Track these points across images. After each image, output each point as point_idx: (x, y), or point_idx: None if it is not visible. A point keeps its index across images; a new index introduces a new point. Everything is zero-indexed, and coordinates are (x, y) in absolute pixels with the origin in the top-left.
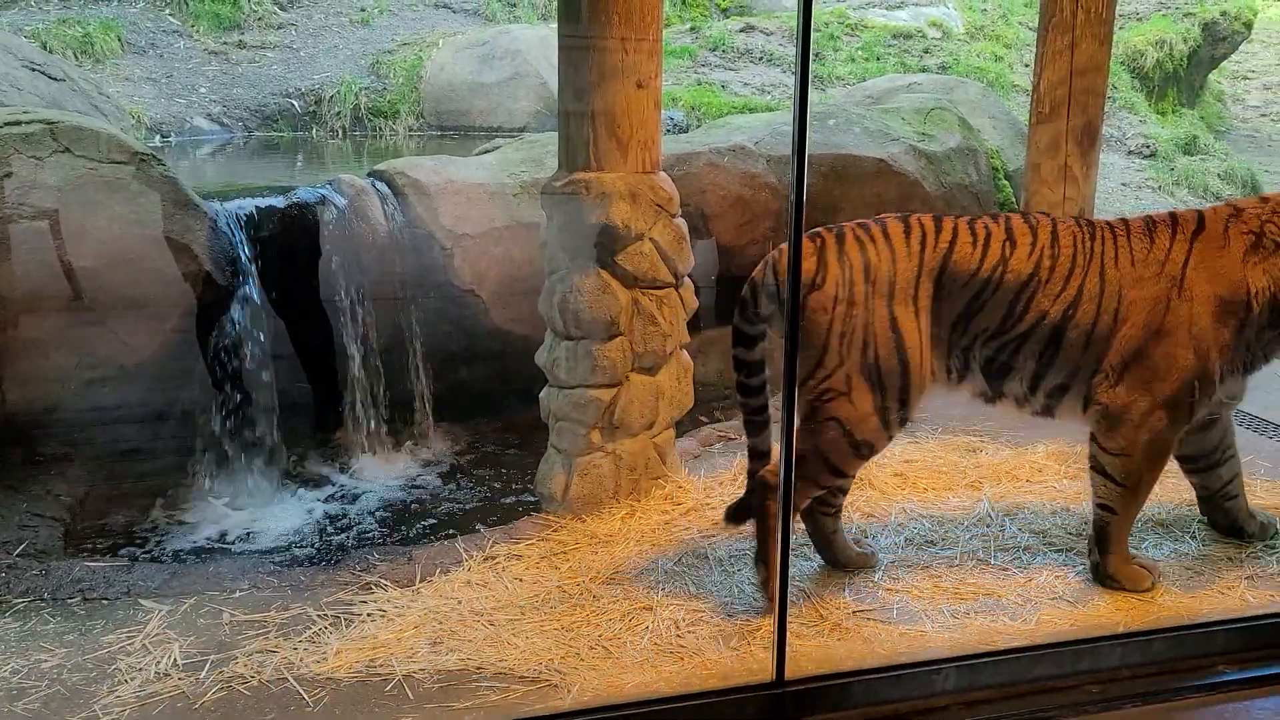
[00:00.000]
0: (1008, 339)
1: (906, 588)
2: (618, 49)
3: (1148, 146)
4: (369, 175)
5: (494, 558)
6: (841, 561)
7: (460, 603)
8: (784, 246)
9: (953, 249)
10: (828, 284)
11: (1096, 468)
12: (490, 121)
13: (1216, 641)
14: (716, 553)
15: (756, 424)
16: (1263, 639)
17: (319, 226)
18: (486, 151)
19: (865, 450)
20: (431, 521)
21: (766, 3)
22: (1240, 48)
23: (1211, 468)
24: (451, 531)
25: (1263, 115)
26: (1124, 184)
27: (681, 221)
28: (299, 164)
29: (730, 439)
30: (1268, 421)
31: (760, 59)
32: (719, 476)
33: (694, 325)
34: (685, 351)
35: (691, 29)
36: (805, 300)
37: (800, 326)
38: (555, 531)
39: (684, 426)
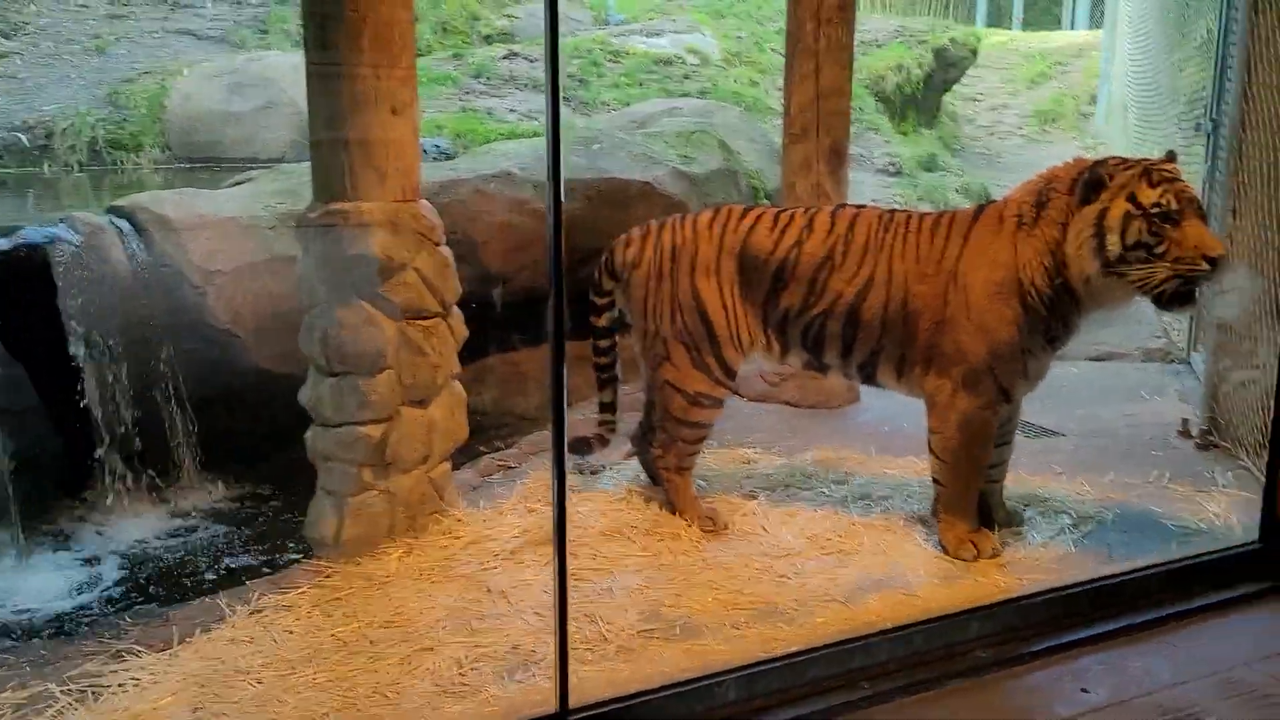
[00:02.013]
0: (813, 315)
1: (688, 603)
2: (370, 75)
3: (893, 165)
4: (107, 211)
5: (261, 611)
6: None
7: (224, 663)
8: (623, 236)
9: (752, 233)
10: (642, 265)
11: (928, 442)
12: (244, 152)
13: (971, 628)
14: (498, 584)
15: (603, 380)
16: (1010, 622)
17: (51, 268)
18: (239, 183)
19: (705, 400)
20: (192, 578)
21: (529, 29)
22: (969, 72)
23: None
24: (214, 587)
25: (991, 134)
26: (874, 199)
27: (447, 250)
28: (30, 202)
29: (510, 467)
30: (1029, 423)
31: (525, 85)
32: (499, 506)
33: (473, 353)
34: (457, 382)
35: (454, 56)
36: (629, 280)
37: (630, 303)
38: (328, 577)
39: (463, 457)
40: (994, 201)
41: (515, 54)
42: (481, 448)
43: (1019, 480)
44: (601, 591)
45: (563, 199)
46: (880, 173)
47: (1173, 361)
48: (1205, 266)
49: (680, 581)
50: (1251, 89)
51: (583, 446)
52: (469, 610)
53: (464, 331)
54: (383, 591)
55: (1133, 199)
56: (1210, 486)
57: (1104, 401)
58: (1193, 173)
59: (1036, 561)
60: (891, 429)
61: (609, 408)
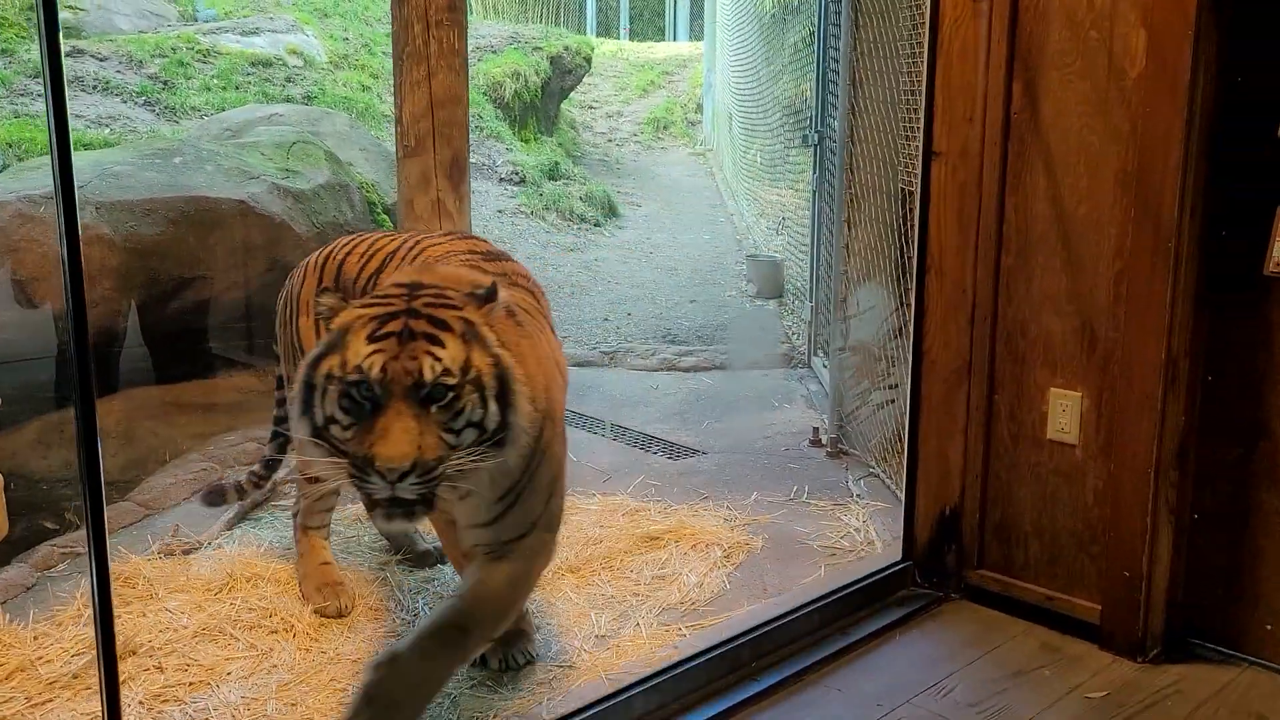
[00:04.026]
0: None
1: (306, 712)
2: None
3: (517, 174)
4: None
5: None
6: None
7: None
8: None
9: (342, 265)
10: (278, 307)
11: None
12: None
13: (635, 706)
14: None
15: (277, 433)
16: (674, 691)
17: None
18: None
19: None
20: None
21: (98, 24)
22: (584, 80)
23: None
24: None
25: (609, 141)
26: (500, 210)
27: None
28: None
29: (78, 554)
30: (651, 436)
31: (95, 87)
32: (57, 615)
33: (34, 410)
34: None
35: (3, 52)
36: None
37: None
38: None
39: (10, 549)
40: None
41: (82, 51)
42: (48, 523)
43: (666, 511)
44: (194, 714)
45: (78, 229)
46: (504, 182)
47: (796, 366)
48: (374, 482)
49: (296, 685)
50: (858, 102)
51: (216, 497)
52: None
53: None
54: None
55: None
56: (847, 498)
57: (738, 412)
58: (804, 185)
59: (694, 605)
60: None
61: (270, 465)
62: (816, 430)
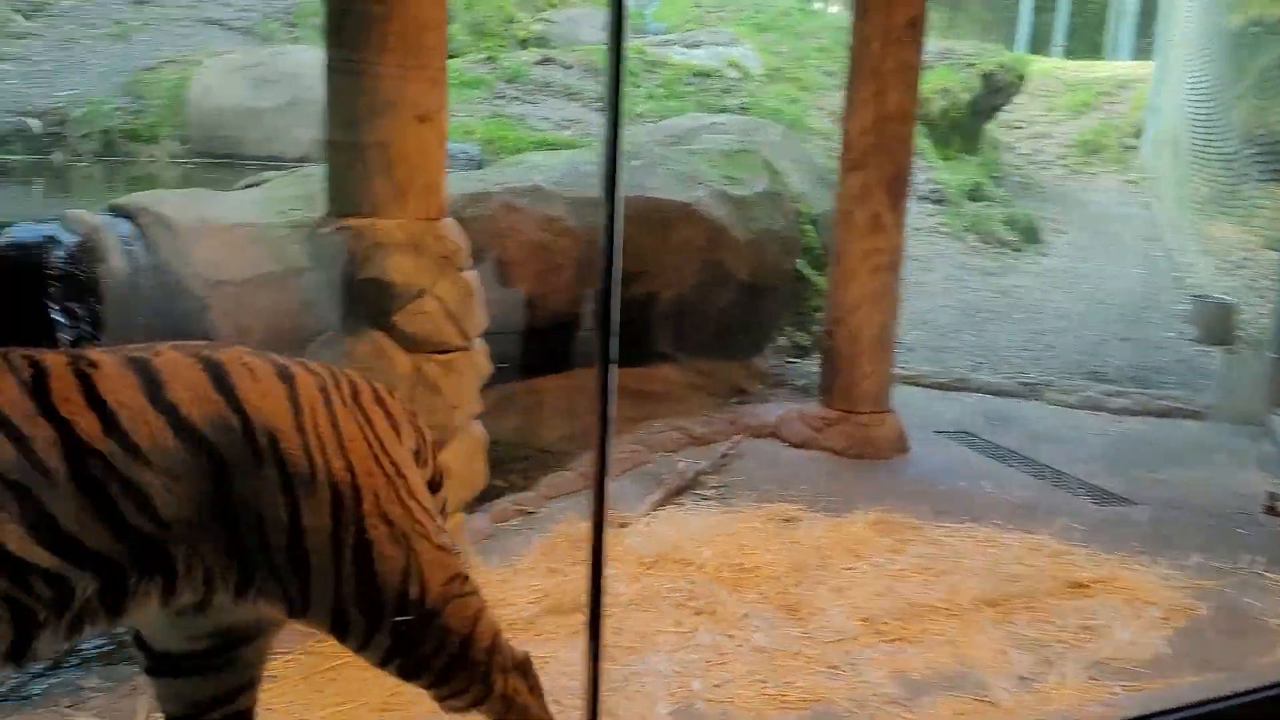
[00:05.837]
0: None
1: (728, 696)
2: (395, 77)
3: (936, 192)
4: (109, 210)
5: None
6: None
7: None
8: None
9: None
10: None
11: None
12: (266, 150)
13: None
14: None
15: None
16: None
17: (42, 271)
18: (252, 185)
19: None
20: None
21: (565, 35)
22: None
23: None
24: None
25: (1031, 163)
26: (917, 229)
27: (472, 275)
28: (34, 192)
29: (529, 512)
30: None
31: (560, 92)
32: (514, 564)
33: (493, 378)
34: (478, 423)
35: (488, 59)
36: None
37: None
38: (319, 641)
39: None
40: None
41: (550, 60)
42: (497, 481)
43: (1094, 559)
44: (628, 676)
45: (618, 217)
46: (924, 200)
47: (1248, 423)
48: None
49: (718, 668)
50: None
51: None
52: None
53: (487, 367)
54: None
55: None
56: None
57: (1175, 464)
58: (1261, 222)
59: (1126, 665)
60: (947, 487)
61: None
62: (1273, 496)
